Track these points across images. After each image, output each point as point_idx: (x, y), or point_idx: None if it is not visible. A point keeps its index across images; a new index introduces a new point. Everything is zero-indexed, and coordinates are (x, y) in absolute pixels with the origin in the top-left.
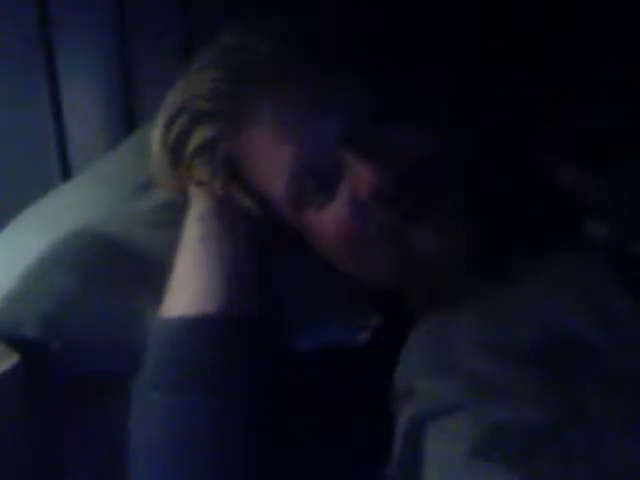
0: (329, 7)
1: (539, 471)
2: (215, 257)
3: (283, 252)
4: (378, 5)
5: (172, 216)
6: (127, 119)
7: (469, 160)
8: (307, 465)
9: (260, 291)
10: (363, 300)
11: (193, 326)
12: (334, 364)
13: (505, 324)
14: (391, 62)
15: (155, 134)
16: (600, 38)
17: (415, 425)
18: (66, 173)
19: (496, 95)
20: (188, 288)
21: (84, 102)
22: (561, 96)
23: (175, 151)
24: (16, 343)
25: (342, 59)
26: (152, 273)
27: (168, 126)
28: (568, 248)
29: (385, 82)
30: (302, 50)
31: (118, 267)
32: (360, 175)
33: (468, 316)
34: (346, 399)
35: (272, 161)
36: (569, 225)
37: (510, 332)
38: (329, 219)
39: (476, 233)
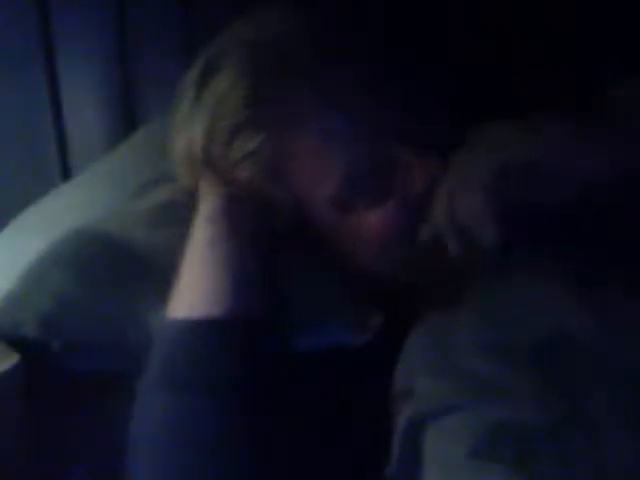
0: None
1: (539, 471)
2: (222, 259)
3: (284, 253)
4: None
5: (172, 216)
6: (127, 119)
7: None
8: (307, 465)
9: (265, 292)
10: (363, 300)
11: (197, 327)
12: (334, 364)
13: (505, 324)
14: (437, 56)
15: (179, 140)
16: (600, 38)
17: (414, 425)
18: (66, 173)
19: (504, 95)
20: (195, 289)
21: (84, 102)
22: (561, 96)
23: (215, 162)
24: (16, 343)
25: (388, 55)
26: (152, 273)
27: (208, 140)
28: (569, 248)
29: (433, 79)
30: (348, 50)
31: (118, 267)
32: (417, 170)
33: (468, 316)
34: (346, 399)
35: (321, 163)
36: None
37: (510, 332)
38: (377, 220)
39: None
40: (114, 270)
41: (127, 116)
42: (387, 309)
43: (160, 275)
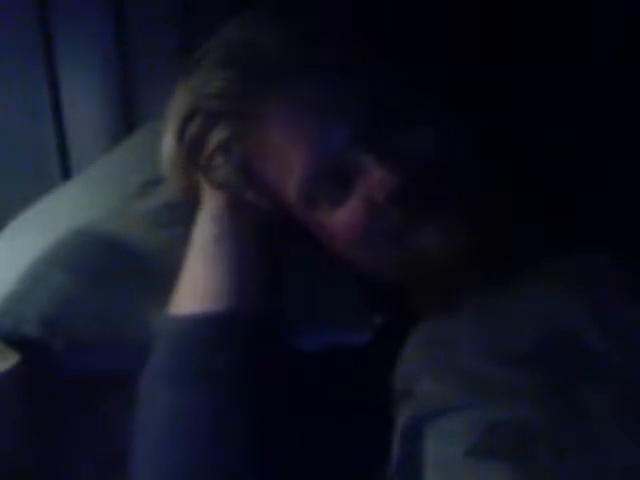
0: (341, 4)
1: (537, 470)
2: (227, 257)
3: (288, 253)
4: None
5: (172, 216)
6: (127, 119)
7: (476, 159)
8: (307, 465)
9: (269, 291)
10: (364, 300)
11: (200, 323)
12: (335, 364)
13: (504, 324)
14: (404, 63)
15: (167, 137)
16: (603, 37)
17: (414, 425)
18: (66, 173)
19: (504, 96)
20: (198, 286)
21: (84, 102)
22: (565, 99)
23: (191, 154)
24: (16, 343)
25: (358, 58)
26: (152, 273)
27: (182, 130)
28: (568, 249)
29: (401, 83)
30: (316, 49)
31: (118, 267)
32: (377, 177)
33: (468, 316)
34: (346, 399)
35: (286, 160)
36: (570, 225)
37: (509, 332)
38: (341, 219)
39: (481, 230)
40: (115, 270)
41: (127, 116)
42: (388, 309)
43: (161, 275)
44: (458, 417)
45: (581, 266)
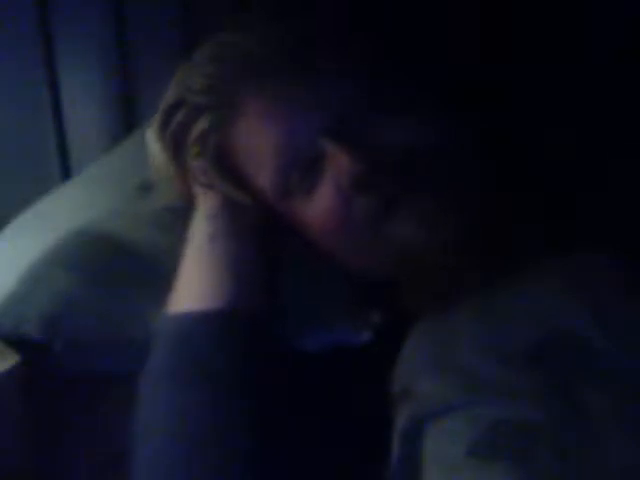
0: (319, 5)
1: (537, 469)
2: (223, 255)
3: (285, 253)
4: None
5: (172, 216)
6: (127, 119)
7: (456, 152)
8: (307, 464)
9: (266, 290)
10: (364, 300)
11: (198, 322)
12: (335, 364)
13: (504, 323)
14: (374, 53)
15: (152, 134)
16: (603, 37)
17: (414, 425)
18: (66, 173)
19: (504, 96)
20: (195, 285)
21: (84, 102)
22: (565, 99)
23: (174, 148)
24: (16, 343)
25: (326, 52)
26: (152, 273)
27: (165, 123)
28: (568, 249)
29: (368, 74)
30: (288, 47)
31: (118, 267)
32: (341, 165)
33: (467, 316)
34: (347, 399)
35: (259, 152)
36: (570, 225)
37: (509, 332)
38: (314, 209)
39: (480, 230)
40: (115, 270)
41: (127, 116)
42: (387, 308)
43: (160, 275)
44: (459, 416)
45: (581, 266)
